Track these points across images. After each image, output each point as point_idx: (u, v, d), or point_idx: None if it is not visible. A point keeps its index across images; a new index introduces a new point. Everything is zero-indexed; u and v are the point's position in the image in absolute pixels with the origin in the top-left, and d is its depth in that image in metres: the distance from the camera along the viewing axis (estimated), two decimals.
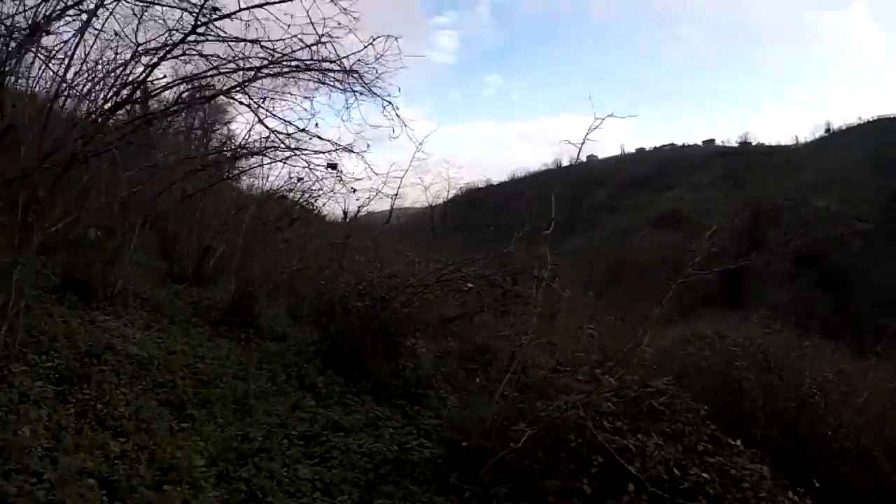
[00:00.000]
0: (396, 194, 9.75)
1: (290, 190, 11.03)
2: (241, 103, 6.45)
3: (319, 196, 11.43)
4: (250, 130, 8.08)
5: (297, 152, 7.89)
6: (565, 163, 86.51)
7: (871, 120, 76.32)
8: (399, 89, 6.39)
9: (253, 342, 8.61)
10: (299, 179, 10.75)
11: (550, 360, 6.03)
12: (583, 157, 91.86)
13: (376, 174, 9.05)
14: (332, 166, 7.16)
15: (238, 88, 6.11)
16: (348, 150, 8.10)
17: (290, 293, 12.85)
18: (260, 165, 10.14)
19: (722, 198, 72.90)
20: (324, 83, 6.36)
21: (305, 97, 6.81)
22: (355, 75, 6.11)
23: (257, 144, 8.71)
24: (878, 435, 7.76)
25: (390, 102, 6.34)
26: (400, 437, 6.00)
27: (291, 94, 6.85)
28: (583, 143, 6.70)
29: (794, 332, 12.24)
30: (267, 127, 6.78)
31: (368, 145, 7.17)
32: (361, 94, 6.34)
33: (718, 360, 8.62)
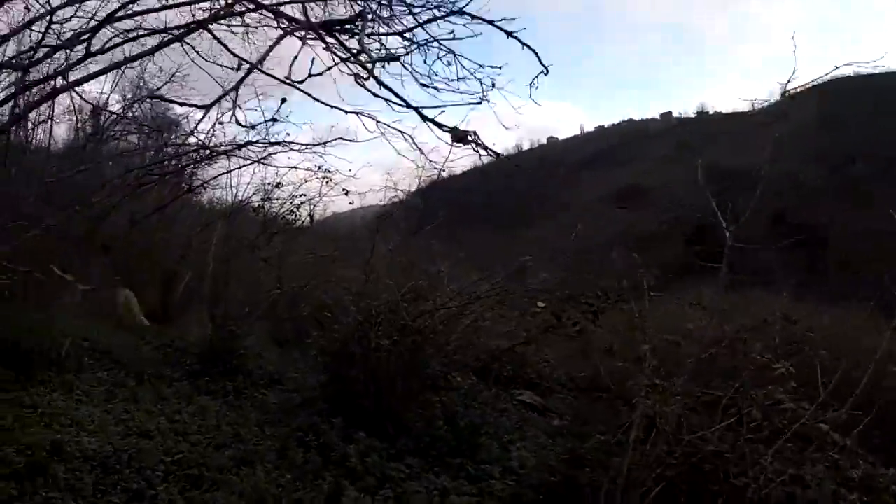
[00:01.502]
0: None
1: (266, 198, 9.17)
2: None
3: (303, 203, 9.62)
4: (214, 126, 6.25)
5: (284, 146, 6.14)
6: (526, 146, 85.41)
7: (824, 81, 77.25)
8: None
9: (244, 394, 6.77)
10: (278, 185, 8.93)
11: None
12: (543, 140, 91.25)
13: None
14: (462, 138, 4.79)
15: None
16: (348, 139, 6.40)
17: (270, 316, 11.02)
18: (227, 172, 8.29)
19: (681, 169, 72.98)
20: None
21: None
22: None
23: (223, 144, 6.85)
24: None
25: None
26: None
27: None
28: None
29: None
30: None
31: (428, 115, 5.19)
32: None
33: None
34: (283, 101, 4.72)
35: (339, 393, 6.46)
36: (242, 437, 5.31)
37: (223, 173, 8.17)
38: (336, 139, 6.30)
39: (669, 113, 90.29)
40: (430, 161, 5.61)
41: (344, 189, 8.85)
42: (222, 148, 6.70)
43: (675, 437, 4.64)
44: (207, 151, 6.16)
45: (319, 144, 6.26)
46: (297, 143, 6.34)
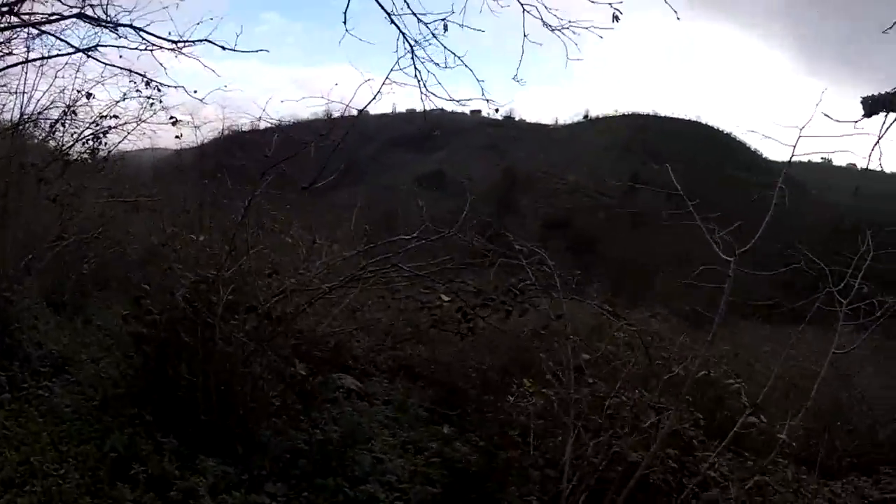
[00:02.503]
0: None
1: (71, 112, 6.84)
2: None
3: (110, 129, 7.43)
4: None
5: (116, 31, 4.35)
6: (336, 114, 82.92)
7: (625, 114, 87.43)
8: None
9: (24, 390, 4.81)
10: (88, 95, 6.71)
11: None
12: (353, 111, 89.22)
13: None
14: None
15: None
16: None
17: (47, 270, 8.53)
18: (25, 62, 5.86)
19: (483, 164, 76.82)
20: None
21: None
22: None
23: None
24: None
25: None
26: None
27: None
28: None
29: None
30: None
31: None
32: None
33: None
34: None
35: (159, 394, 4.88)
36: (35, 468, 3.58)
37: (20, 62, 5.73)
38: (202, 40, 4.63)
39: (479, 111, 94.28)
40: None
41: (172, 117, 6.99)
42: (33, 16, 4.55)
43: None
44: (15, 19, 4.03)
45: (182, 42, 4.54)
46: (148, 33, 4.50)
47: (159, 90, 6.41)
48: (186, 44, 4.69)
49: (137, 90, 6.54)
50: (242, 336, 4.69)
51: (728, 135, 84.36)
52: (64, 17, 4.20)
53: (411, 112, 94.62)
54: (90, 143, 7.20)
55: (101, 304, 9.14)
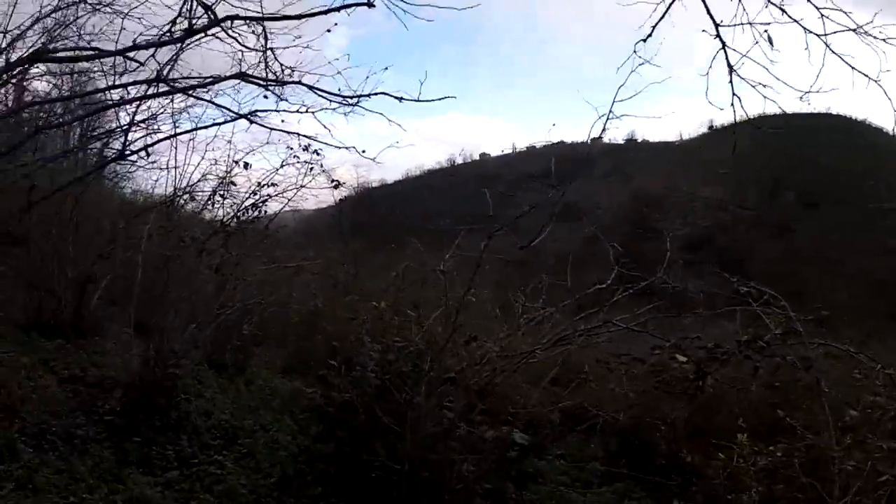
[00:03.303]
0: None
1: (229, 183, 6.81)
2: None
3: (270, 198, 7.33)
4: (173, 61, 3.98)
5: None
6: (459, 161, 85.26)
7: (751, 117, 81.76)
8: None
9: (195, 466, 4.58)
10: (246, 165, 6.65)
11: None
12: (475, 156, 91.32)
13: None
14: None
15: None
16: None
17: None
18: (173, 135, 5.93)
19: (611, 191, 74.32)
20: None
21: None
22: None
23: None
24: None
25: None
26: None
27: None
28: None
29: None
30: None
31: None
32: None
33: None
34: None
35: (347, 474, 4.39)
36: None
37: (176, 134, 5.78)
38: (377, 93, 4.23)
39: (600, 138, 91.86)
40: None
41: (334, 180, 6.77)
42: (188, 81, 4.38)
43: None
44: (162, 86, 3.90)
45: (356, 97, 4.19)
46: (321, 91, 4.16)
47: (318, 154, 6.17)
48: (361, 98, 4.31)
49: (295, 155, 6.31)
50: (454, 416, 4.14)
51: (863, 122, 75.45)
52: (221, 80, 4.00)
53: (531, 148, 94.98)
54: (250, 211, 7.08)
55: (261, 362, 9.21)
